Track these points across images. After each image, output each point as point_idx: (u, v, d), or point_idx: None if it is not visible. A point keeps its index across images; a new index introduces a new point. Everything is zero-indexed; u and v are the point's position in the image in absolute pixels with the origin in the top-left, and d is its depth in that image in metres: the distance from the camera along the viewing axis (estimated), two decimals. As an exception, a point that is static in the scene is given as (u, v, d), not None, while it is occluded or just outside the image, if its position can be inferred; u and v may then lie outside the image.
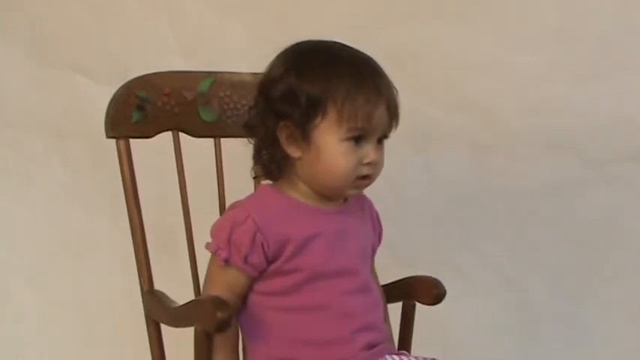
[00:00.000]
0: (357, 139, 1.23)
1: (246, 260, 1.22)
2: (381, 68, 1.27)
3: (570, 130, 1.96)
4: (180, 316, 1.24)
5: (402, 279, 1.43)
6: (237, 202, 1.29)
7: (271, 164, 1.28)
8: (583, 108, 1.95)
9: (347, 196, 1.32)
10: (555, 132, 1.97)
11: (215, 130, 1.45)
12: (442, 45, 1.96)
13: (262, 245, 1.22)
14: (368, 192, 1.37)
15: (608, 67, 1.94)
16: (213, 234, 1.26)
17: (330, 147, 1.22)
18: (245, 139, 1.32)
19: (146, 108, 1.37)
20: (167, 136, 1.41)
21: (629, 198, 1.98)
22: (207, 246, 1.26)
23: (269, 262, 1.24)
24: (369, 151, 1.24)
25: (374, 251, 1.39)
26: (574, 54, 1.94)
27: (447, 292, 1.38)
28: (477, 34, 1.95)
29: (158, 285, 1.37)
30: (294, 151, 1.25)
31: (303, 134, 1.23)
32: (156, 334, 1.36)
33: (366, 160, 1.24)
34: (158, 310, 1.32)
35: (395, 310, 1.42)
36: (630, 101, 1.95)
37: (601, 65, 1.94)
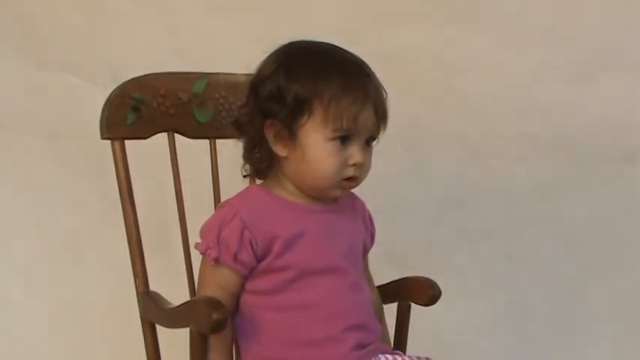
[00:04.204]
0: (343, 140, 1.23)
1: (235, 258, 1.23)
2: (371, 71, 1.27)
3: (562, 130, 1.97)
4: (175, 317, 1.24)
5: (398, 280, 1.43)
6: (225, 201, 1.30)
7: (260, 163, 1.29)
8: (575, 109, 1.96)
9: (333, 197, 1.31)
10: (548, 133, 1.97)
11: (210, 131, 1.45)
12: (434, 46, 1.96)
13: (251, 242, 1.23)
14: (361, 193, 1.37)
15: (599, 68, 1.94)
16: (202, 234, 1.26)
17: (316, 146, 1.23)
18: (238, 140, 1.32)
19: (141, 109, 1.37)
20: (162, 137, 1.41)
21: (622, 198, 1.99)
22: (197, 246, 1.26)
23: (258, 260, 1.24)
24: (354, 152, 1.24)
25: (366, 251, 1.39)
26: (566, 55, 1.94)
27: (441, 292, 1.38)
28: (470, 35, 1.96)
29: (153, 286, 1.37)
30: (281, 150, 1.26)
31: (290, 133, 1.24)
32: (151, 334, 1.36)
33: (351, 162, 1.24)
34: (153, 311, 1.32)
35: (390, 310, 1.43)
36: (622, 102, 1.96)
37: (593, 66, 1.95)
